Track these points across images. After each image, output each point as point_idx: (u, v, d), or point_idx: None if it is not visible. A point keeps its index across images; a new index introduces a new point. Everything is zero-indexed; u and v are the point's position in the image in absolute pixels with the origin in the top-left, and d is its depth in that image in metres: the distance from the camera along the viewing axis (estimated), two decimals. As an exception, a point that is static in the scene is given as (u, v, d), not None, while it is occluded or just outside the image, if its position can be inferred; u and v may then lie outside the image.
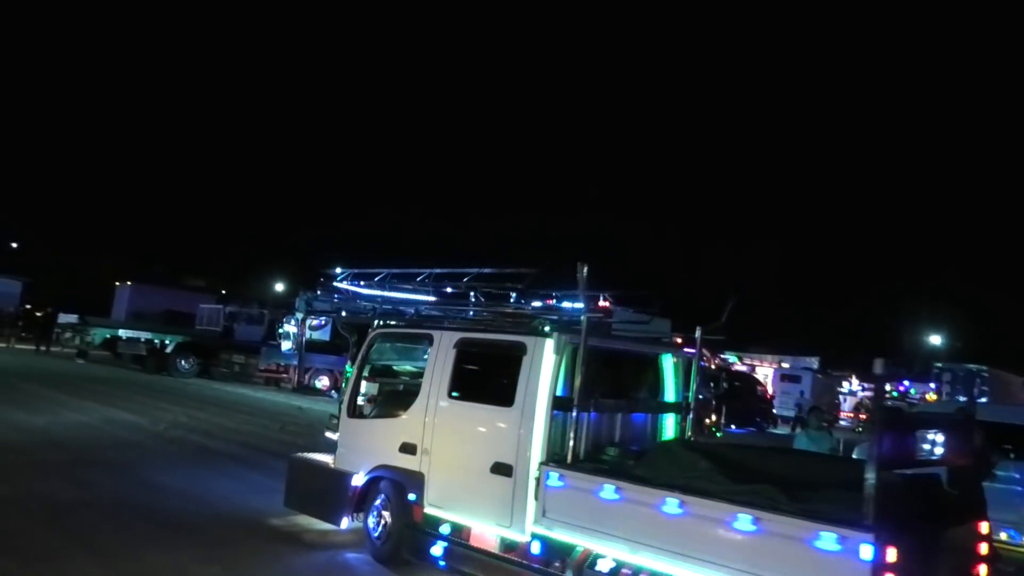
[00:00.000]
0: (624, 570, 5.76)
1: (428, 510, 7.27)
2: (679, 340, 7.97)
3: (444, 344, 7.52)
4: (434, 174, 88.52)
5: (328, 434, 9.15)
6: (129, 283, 37.09)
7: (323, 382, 26.92)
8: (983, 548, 5.69)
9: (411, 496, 7.35)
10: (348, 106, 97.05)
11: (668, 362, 7.96)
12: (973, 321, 52.42)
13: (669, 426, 7.97)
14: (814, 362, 46.50)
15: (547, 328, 6.74)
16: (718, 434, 26.37)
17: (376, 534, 7.75)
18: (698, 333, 7.76)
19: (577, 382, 6.57)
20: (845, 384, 43.02)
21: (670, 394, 7.98)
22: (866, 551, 4.53)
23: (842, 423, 35.18)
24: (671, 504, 5.47)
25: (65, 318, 34.07)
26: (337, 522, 8.15)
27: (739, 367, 40.61)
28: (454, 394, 7.31)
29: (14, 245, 63.13)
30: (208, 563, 7.18)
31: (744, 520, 5.05)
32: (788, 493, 5.17)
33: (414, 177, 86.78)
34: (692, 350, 7.90)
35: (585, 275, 6.70)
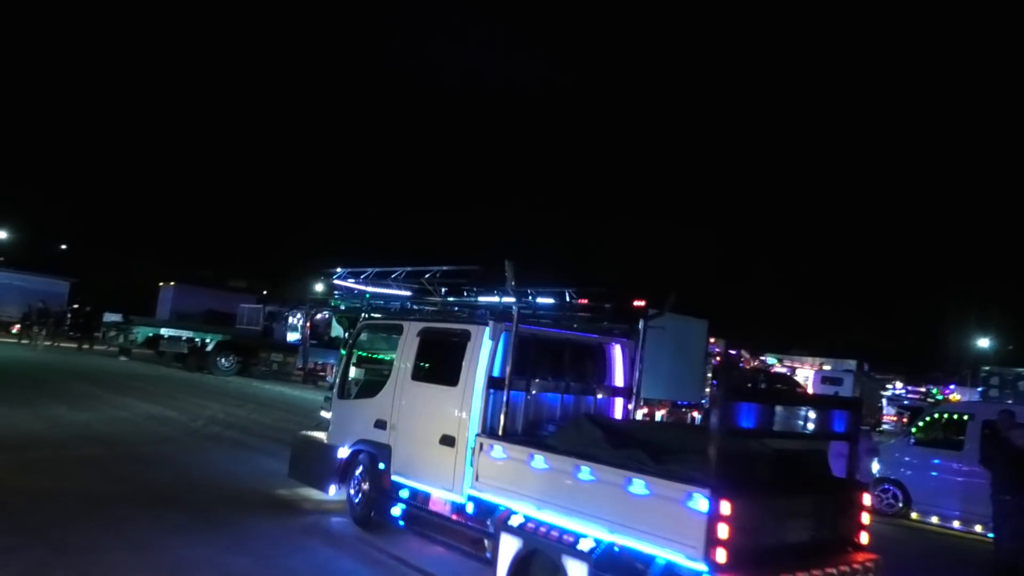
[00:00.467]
0: (529, 524, 6.55)
1: (394, 477, 8.29)
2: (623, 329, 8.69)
3: (410, 333, 8.59)
4: (448, 176, 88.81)
5: (323, 413, 10.57)
6: (172, 283, 37.80)
7: None
8: (863, 517, 6.39)
9: (381, 465, 8.42)
10: (390, 109, 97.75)
11: (615, 350, 8.67)
12: (1024, 325, 51.08)
13: (617, 408, 8.67)
14: (854, 365, 45.67)
15: (485, 317, 7.68)
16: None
17: (356, 500, 8.84)
18: (641, 324, 8.42)
19: (509, 366, 7.41)
20: (889, 387, 42.17)
21: (617, 379, 8.70)
22: (703, 504, 5.26)
23: (885, 426, 34.44)
24: (557, 464, 6.41)
25: (110, 317, 34.83)
26: (326, 489, 9.27)
27: (779, 369, 40.07)
28: (416, 376, 8.35)
29: (63, 247, 64.87)
30: (239, 554, 7.26)
31: (617, 478, 5.87)
32: (655, 457, 5.94)
33: (453, 178, 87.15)
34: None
35: (512, 272, 7.44)
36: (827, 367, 44.43)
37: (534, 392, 7.90)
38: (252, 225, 78.14)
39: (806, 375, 41.95)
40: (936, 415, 14.22)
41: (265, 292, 43.06)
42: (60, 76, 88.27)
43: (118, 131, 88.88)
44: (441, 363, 8.09)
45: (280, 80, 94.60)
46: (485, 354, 7.51)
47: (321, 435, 9.80)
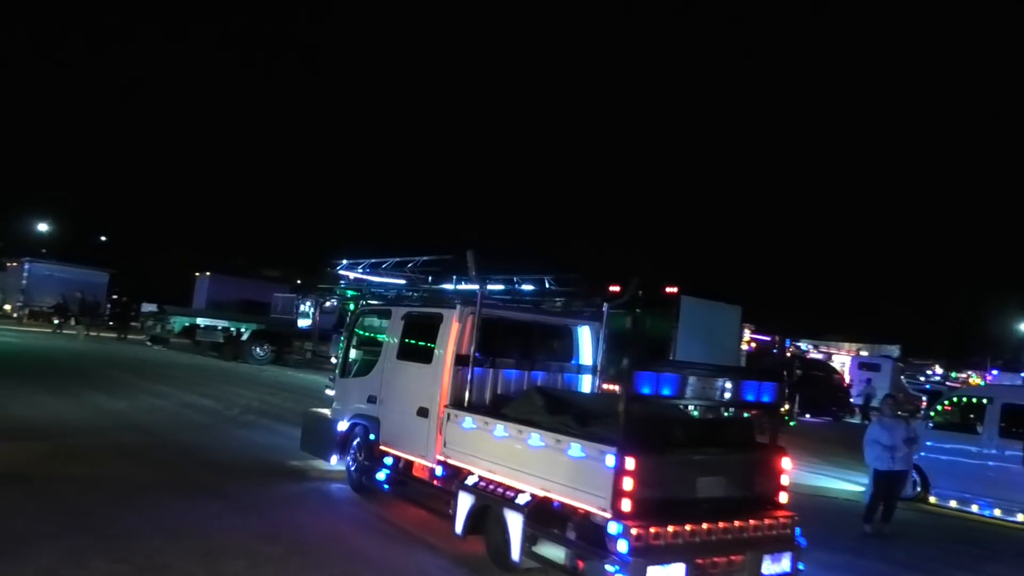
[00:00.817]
0: (480, 483, 7.40)
1: (382, 447, 9.17)
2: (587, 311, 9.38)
3: (396, 317, 9.45)
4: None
5: (327, 391, 11.59)
6: (208, 273, 38.29)
7: None
8: (781, 479, 6.97)
9: (372, 436, 9.32)
10: (415, 104, 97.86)
11: (583, 332, 9.36)
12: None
13: (585, 383, 9.29)
14: (895, 350, 44.96)
15: (454, 302, 8.55)
16: (791, 423, 25.75)
17: (352, 468, 9.75)
18: (605, 307, 9.12)
19: (473, 345, 8.26)
20: (929, 373, 41.45)
21: (585, 358, 9.37)
22: (610, 460, 6.05)
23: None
24: (507, 430, 7.24)
25: (148, 307, 35.41)
26: (328, 459, 10.23)
27: (814, 355, 39.55)
28: (399, 356, 9.19)
29: (103, 239, 66.09)
30: (274, 542, 7.34)
31: (548, 440, 6.75)
32: (583, 422, 6.73)
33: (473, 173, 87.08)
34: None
35: (473, 261, 8.31)
36: (864, 353, 43.81)
37: (499, 369, 8.71)
38: (287, 213, 78.86)
39: (842, 361, 41.40)
40: (955, 399, 14.07)
41: (299, 281, 43.43)
42: (95, 71, 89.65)
43: (156, 123, 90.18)
44: (419, 343, 8.95)
45: (314, 71, 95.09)
46: (453, 334, 8.34)
47: (326, 411, 10.74)
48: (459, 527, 7.52)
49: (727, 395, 6.75)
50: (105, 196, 72.39)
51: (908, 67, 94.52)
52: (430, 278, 9.75)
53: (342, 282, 11.82)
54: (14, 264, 43.31)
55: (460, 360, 8.28)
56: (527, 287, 9.35)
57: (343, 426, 9.98)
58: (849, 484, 14.13)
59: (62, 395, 15.46)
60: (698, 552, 6.12)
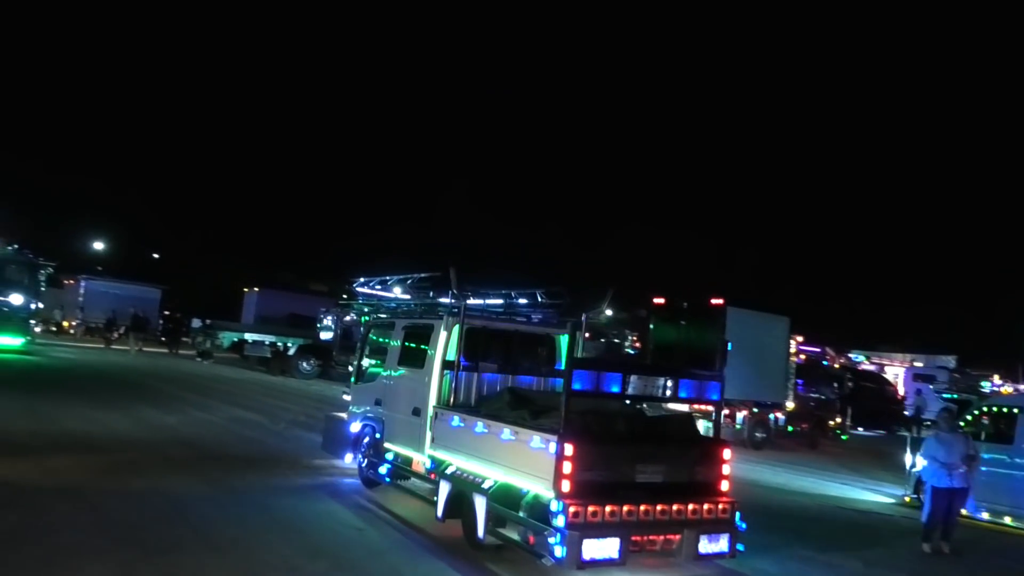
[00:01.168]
0: (456, 471, 8.27)
1: (386, 444, 10.13)
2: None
3: (397, 328, 10.48)
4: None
5: (344, 396, 12.83)
6: (256, 289, 38.92)
7: None
8: (723, 469, 7.69)
9: (378, 435, 10.32)
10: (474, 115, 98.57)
11: (564, 340, 9.82)
12: None
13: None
14: (950, 361, 43.64)
15: (442, 313, 9.50)
16: (843, 437, 25.20)
17: (362, 464, 10.68)
18: (583, 317, 9.98)
19: (459, 353, 9.08)
20: (986, 384, 40.13)
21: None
22: (552, 447, 6.93)
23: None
24: (479, 426, 8.13)
25: (198, 323, 36.10)
26: (342, 457, 11.28)
27: (867, 366, 38.61)
28: (400, 362, 10.22)
29: (156, 256, 67.73)
30: (316, 558, 7.35)
31: (506, 432, 7.69)
32: (535, 415, 7.76)
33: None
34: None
35: (455, 278, 9.16)
36: (918, 363, 42.62)
37: (482, 373, 9.51)
38: (333, 227, 79.81)
39: (896, 372, 40.33)
40: (984, 408, 13.71)
41: (345, 295, 43.81)
42: (145, 93, 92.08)
43: (207, 141, 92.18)
44: (415, 351, 9.91)
45: (359, 82, 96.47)
46: (441, 343, 9.25)
47: (342, 414, 11.68)
48: (440, 511, 8.51)
49: (668, 392, 7.62)
50: (158, 213, 74.07)
51: (954, 59, 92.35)
52: (431, 293, 10.67)
53: (359, 298, 12.90)
54: (71, 282, 44.64)
55: (448, 365, 9.16)
56: (521, 300, 10.28)
57: (355, 427, 11.03)
58: (877, 496, 14.26)
59: (114, 409, 15.78)
60: (634, 530, 6.94)
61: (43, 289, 29.56)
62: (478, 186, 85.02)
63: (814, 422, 23.66)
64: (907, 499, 13.69)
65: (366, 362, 11.48)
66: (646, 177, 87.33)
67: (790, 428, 22.30)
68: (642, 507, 7.01)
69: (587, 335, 29.91)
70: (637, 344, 26.44)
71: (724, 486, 7.63)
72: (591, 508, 6.76)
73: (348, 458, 11.06)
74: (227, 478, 10.46)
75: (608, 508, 6.84)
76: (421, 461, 9.22)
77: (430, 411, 9.11)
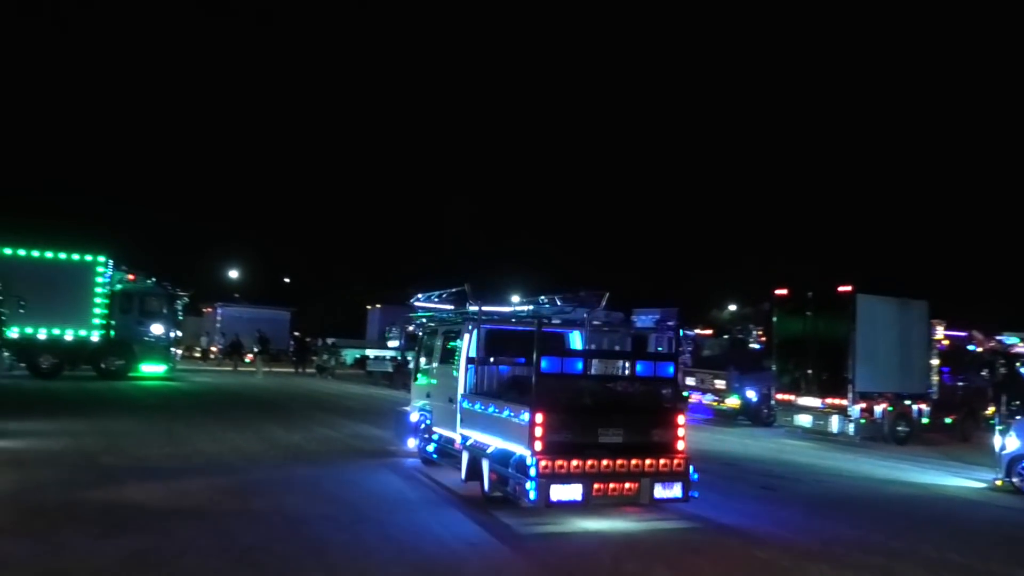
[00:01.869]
0: (472, 443, 10.63)
1: (434, 428, 12.49)
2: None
3: (440, 334, 12.64)
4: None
5: (409, 393, 14.83)
6: (378, 306, 40.05)
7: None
8: (678, 431, 9.66)
9: (428, 421, 12.76)
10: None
11: (575, 336, 11.91)
12: None
13: None
14: None
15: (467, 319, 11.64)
16: (998, 428, 23.12)
17: (419, 446, 13.11)
18: (586, 315, 11.78)
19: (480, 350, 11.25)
20: None
21: None
22: (525, 416, 9.12)
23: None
24: (485, 407, 10.45)
25: (323, 342, 37.49)
26: (405, 443, 13.82)
27: (1020, 349, 35.52)
28: (441, 361, 12.44)
29: (286, 280, 70.91)
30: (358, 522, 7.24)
31: (499, 409, 9.96)
32: (520, 394, 9.89)
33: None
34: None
35: (470, 291, 11.99)
36: (1083, 343, 38.84)
37: (499, 367, 11.29)
38: (458, 243, 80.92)
39: (1057, 354, 36.90)
40: None
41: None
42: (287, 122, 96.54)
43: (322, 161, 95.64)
44: (451, 351, 11.95)
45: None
46: (466, 343, 11.32)
47: (407, 408, 14.06)
48: (463, 475, 10.75)
49: (627, 371, 10.08)
50: (288, 240, 77.50)
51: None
52: (466, 303, 12.23)
53: (419, 311, 15.24)
54: (209, 309, 47.46)
55: (472, 361, 11.18)
56: (547, 305, 12.33)
57: (414, 417, 13.42)
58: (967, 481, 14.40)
59: (242, 429, 16.39)
60: (596, 479, 8.99)
61: (181, 318, 31.38)
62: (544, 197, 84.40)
63: (964, 412, 21.91)
64: (998, 483, 13.62)
65: (422, 363, 13.58)
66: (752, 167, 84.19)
67: (927, 421, 20.74)
68: (603, 461, 9.06)
69: (709, 332, 28.90)
70: (762, 339, 25.26)
71: (680, 445, 9.60)
72: (558, 462, 8.88)
73: (411, 443, 13.52)
74: (344, 496, 10.54)
75: (573, 462, 8.95)
76: (455, 439, 11.27)
77: (459, 398, 11.16)
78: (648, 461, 9.24)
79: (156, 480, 10.86)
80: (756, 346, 25.25)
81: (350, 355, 32.89)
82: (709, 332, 27.23)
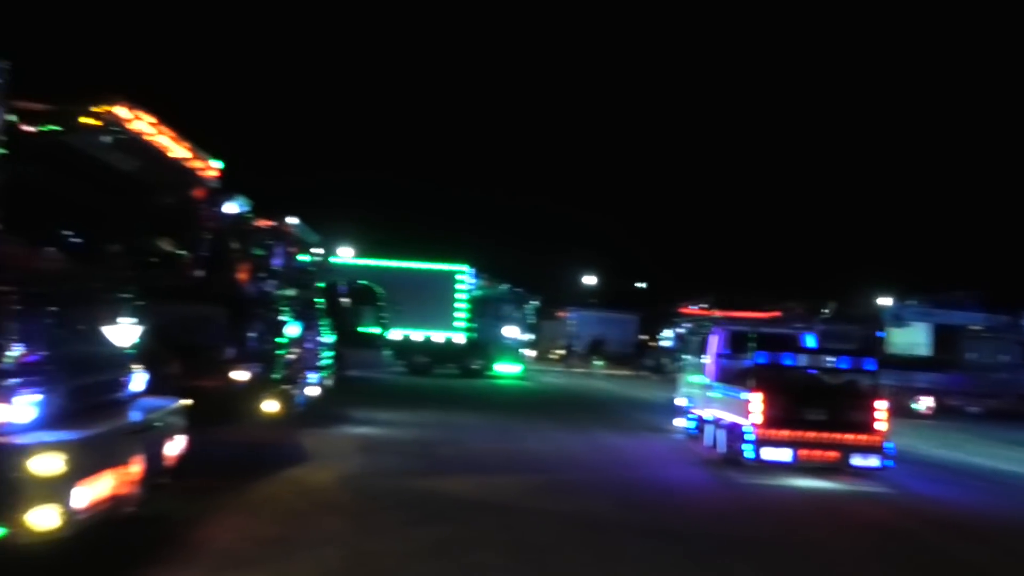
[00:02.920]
0: (713, 418, 13.87)
1: (693, 410, 15.12)
2: None
3: (698, 335, 15.63)
4: None
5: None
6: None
7: (924, 403, 23.79)
8: (876, 414, 12.37)
9: (690, 404, 15.58)
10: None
11: (809, 339, 15.67)
12: None
13: None
14: None
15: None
16: None
17: (687, 427, 15.52)
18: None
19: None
20: None
21: None
22: (746, 395, 12.42)
23: None
24: (724, 391, 13.82)
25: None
26: (675, 423, 16.44)
27: None
28: (697, 355, 15.52)
29: (641, 285, 71.78)
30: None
31: (734, 393, 13.27)
32: (747, 380, 13.02)
33: None
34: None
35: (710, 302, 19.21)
36: None
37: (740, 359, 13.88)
38: (808, 245, 75.60)
39: None
40: None
41: (824, 311, 41.45)
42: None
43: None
44: (705, 348, 15.00)
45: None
46: (713, 342, 14.61)
47: (677, 396, 16.79)
48: (705, 442, 13.89)
49: (831, 364, 12.81)
50: (646, 244, 78.10)
51: None
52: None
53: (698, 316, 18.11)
54: (563, 313, 50.23)
55: (717, 356, 14.44)
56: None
57: (682, 402, 16.13)
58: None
59: (571, 430, 16.78)
60: (801, 446, 11.83)
61: (533, 322, 33.49)
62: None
63: None
64: None
65: (687, 359, 16.61)
66: None
67: None
68: (809, 433, 11.84)
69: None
70: None
71: (878, 425, 12.05)
72: (771, 431, 11.80)
73: (680, 423, 15.93)
74: (653, 504, 10.17)
75: (783, 432, 11.81)
76: (704, 416, 14.16)
77: (707, 385, 14.35)
78: (848, 436, 11.90)
79: (476, 473, 11.46)
80: None
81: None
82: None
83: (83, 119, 5.72)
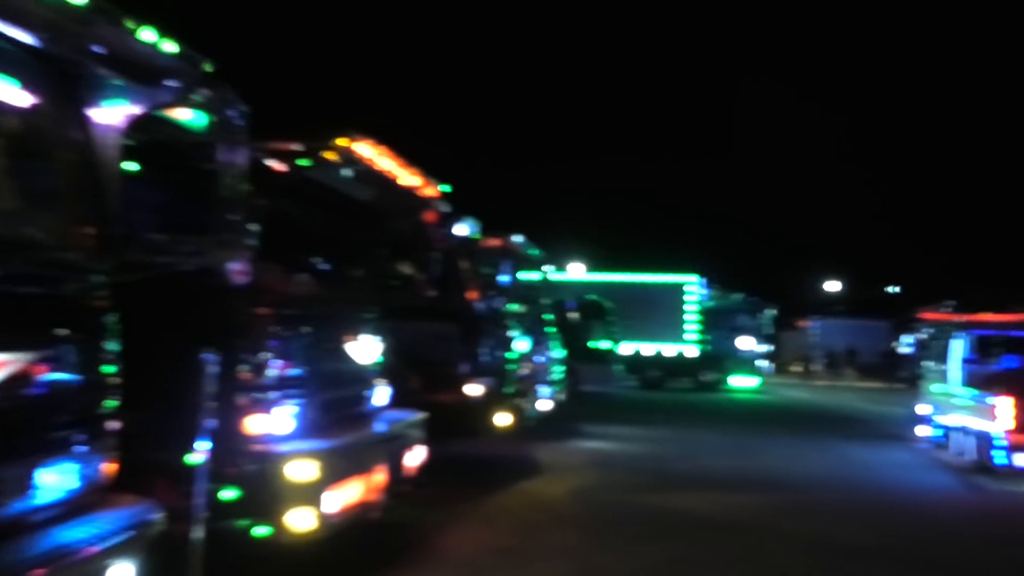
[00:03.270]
0: (960, 426, 13.72)
1: (936, 418, 14.95)
2: None
3: (942, 341, 14.86)
4: None
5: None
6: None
7: None
8: None
9: (934, 413, 15.08)
10: None
11: None
12: None
13: None
14: None
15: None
16: None
17: (930, 436, 15.11)
18: None
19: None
20: None
21: None
22: (993, 400, 12.22)
23: None
24: (970, 397, 13.51)
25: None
26: (916, 432, 15.56)
27: None
28: (941, 362, 14.89)
29: (894, 289, 65.85)
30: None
31: (980, 398, 12.87)
32: (994, 386, 12.74)
33: None
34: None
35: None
36: None
37: (990, 366, 13.88)
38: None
39: None
40: None
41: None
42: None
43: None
44: (948, 353, 14.40)
45: None
46: (957, 347, 14.19)
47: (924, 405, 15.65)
48: (951, 449, 13.89)
49: None
50: (892, 250, 71.84)
51: None
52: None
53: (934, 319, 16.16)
54: (804, 323, 47.26)
55: (963, 361, 13.82)
56: None
57: (924, 410, 15.26)
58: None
59: (816, 447, 15.70)
60: None
61: (769, 332, 31.89)
62: None
63: None
64: None
65: (928, 365, 15.81)
66: None
67: None
68: None
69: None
70: None
71: None
72: (1021, 437, 11.59)
73: (924, 431, 15.20)
74: (912, 530, 9.22)
75: None
76: (951, 423, 13.81)
77: (951, 391, 13.91)
78: None
79: (710, 490, 11.04)
80: None
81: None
82: None
83: (327, 154, 6.27)
